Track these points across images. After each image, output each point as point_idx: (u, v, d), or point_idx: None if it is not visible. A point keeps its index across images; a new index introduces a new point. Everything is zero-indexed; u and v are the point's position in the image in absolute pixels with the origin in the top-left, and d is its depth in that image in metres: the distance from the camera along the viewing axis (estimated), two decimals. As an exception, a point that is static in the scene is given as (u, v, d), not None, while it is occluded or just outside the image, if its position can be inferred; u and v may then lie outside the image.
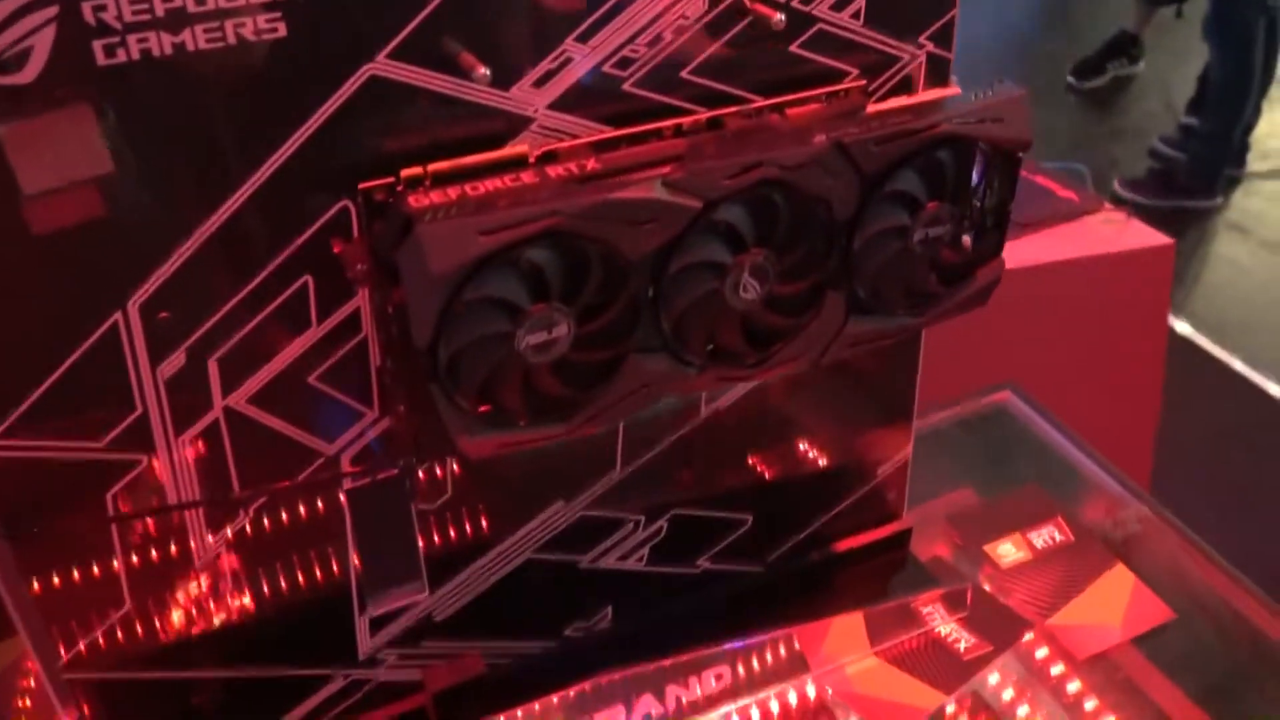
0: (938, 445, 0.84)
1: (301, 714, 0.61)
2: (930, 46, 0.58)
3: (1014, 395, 0.86)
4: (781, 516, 0.70)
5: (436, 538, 0.60)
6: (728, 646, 0.65)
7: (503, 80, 0.50)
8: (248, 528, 0.55)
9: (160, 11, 0.43)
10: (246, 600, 0.57)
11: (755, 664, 0.66)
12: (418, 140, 0.49)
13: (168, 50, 0.44)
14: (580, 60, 0.51)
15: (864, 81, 0.57)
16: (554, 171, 0.49)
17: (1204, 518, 0.82)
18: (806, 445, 0.69)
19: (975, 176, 0.57)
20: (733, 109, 0.54)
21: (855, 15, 0.56)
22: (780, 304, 0.54)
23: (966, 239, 0.58)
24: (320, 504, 0.56)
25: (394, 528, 0.59)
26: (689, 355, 0.54)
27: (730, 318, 0.54)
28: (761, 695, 0.66)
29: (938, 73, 0.59)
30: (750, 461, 0.68)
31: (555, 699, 0.61)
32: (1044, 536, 0.75)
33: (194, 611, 0.56)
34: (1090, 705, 0.67)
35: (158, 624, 0.56)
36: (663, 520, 0.66)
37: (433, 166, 0.49)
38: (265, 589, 0.57)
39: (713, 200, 0.50)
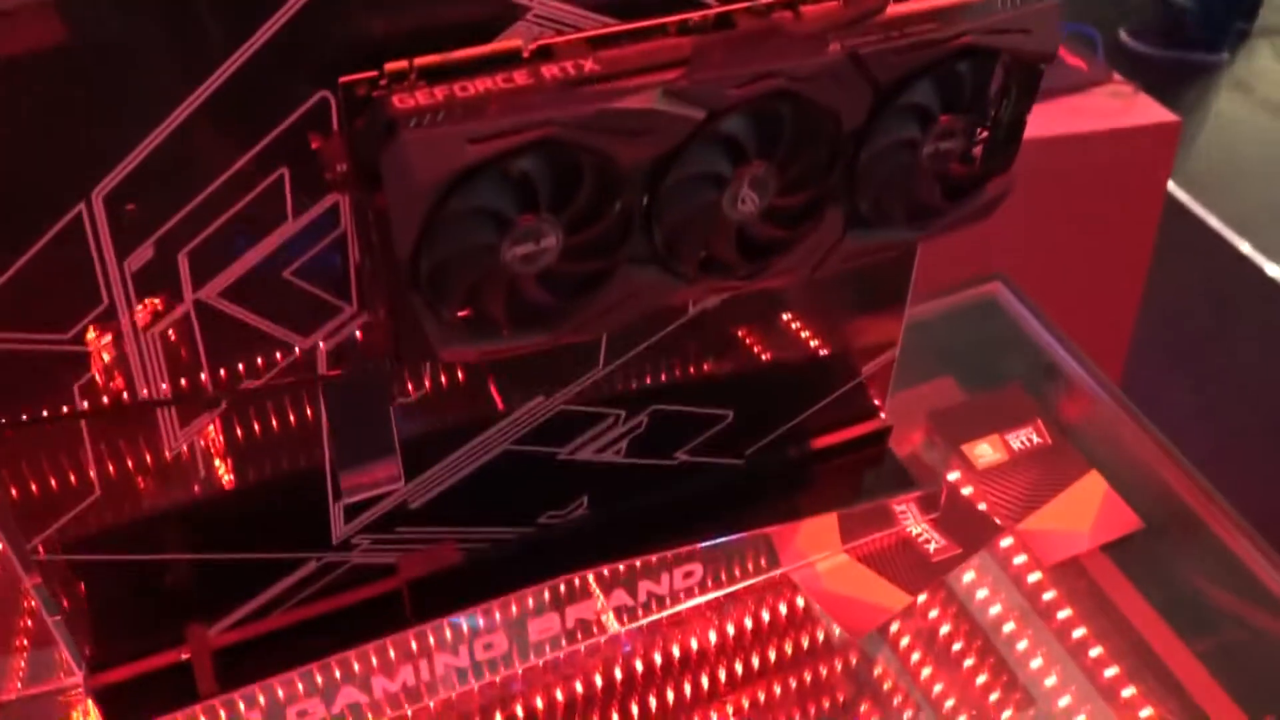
0: (922, 336, 0.83)
1: (274, 594, 0.61)
2: (962, -61, 0.55)
3: (1004, 287, 0.85)
4: (762, 412, 0.70)
5: (413, 428, 0.59)
6: (700, 545, 0.65)
7: (493, -35, 0.46)
8: (218, 418, 0.54)
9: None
10: (218, 486, 0.57)
11: (727, 560, 0.66)
12: (403, 27, 0.46)
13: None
14: (577, -55, 0.47)
15: (885, -22, 0.53)
16: (549, 71, 0.46)
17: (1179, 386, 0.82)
18: (792, 342, 0.68)
19: (993, 87, 0.54)
20: (743, 4, 0.50)
21: (883, -96, 0.52)
22: (778, 216, 0.52)
23: (977, 151, 0.56)
24: (294, 394, 0.55)
25: (370, 420, 0.57)
26: (681, 267, 0.52)
27: (725, 229, 0.51)
28: (732, 589, 0.67)
29: (964, -32, 0.56)
30: (735, 358, 0.66)
31: (529, 595, 0.62)
32: (1021, 438, 0.75)
33: (164, 498, 0.56)
34: (1063, 615, 0.68)
35: (128, 509, 0.55)
36: (644, 415, 0.65)
37: (419, 60, 0.45)
38: (237, 476, 0.57)
39: (717, 111, 0.47)
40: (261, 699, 0.57)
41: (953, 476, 0.74)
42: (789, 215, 0.52)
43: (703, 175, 0.49)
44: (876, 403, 0.73)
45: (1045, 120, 1.14)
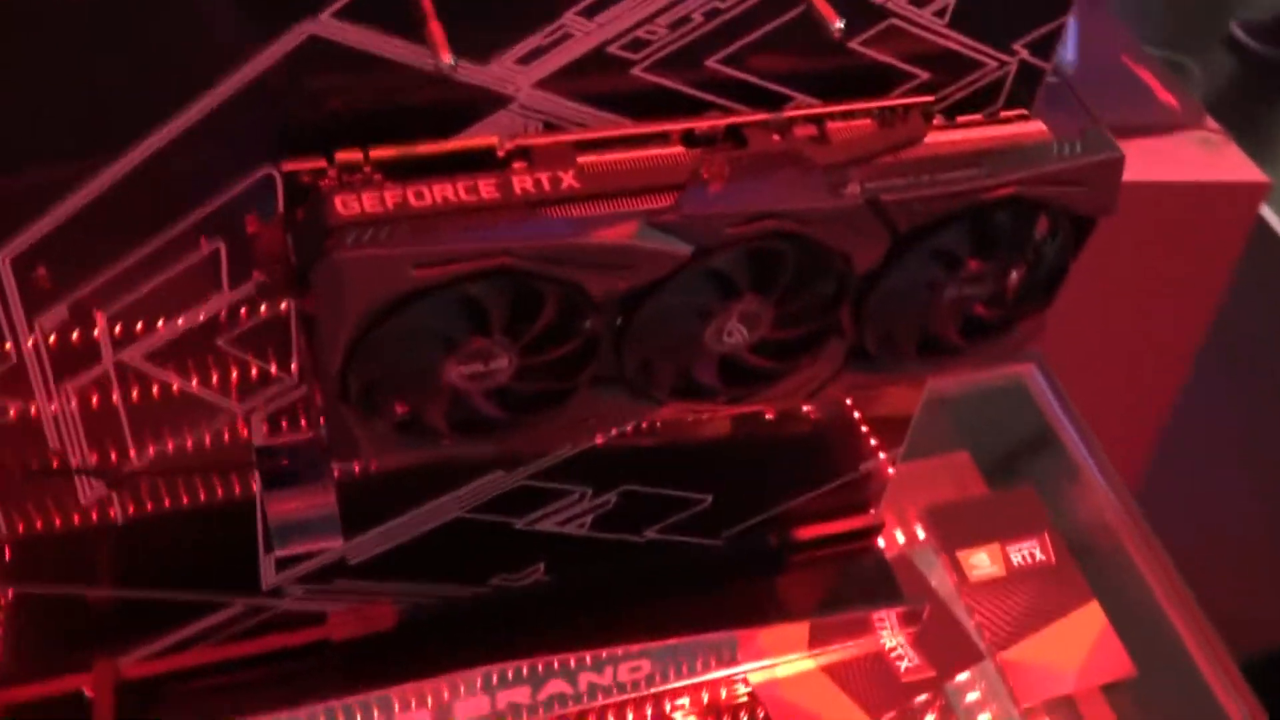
0: (941, 413, 0.77)
1: (196, 631, 0.58)
2: (1025, 54, 0.48)
3: (1037, 372, 0.79)
4: (744, 498, 0.65)
5: (356, 489, 0.55)
6: (652, 645, 0.61)
7: (479, 53, 0.40)
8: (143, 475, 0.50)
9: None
10: (141, 523, 0.53)
11: (681, 654, 0.62)
12: (363, 107, 0.41)
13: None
14: (581, 37, 0.41)
15: (930, 98, 0.46)
16: (520, 184, 0.40)
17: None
18: (784, 431, 0.63)
19: (1037, 233, 0.48)
20: (759, 116, 0.44)
21: (940, 13, 0.45)
22: (770, 350, 0.47)
23: (1011, 294, 0.49)
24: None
25: (308, 485, 0.53)
26: (653, 391, 0.47)
27: (707, 359, 0.46)
28: (682, 684, 0.63)
29: (1026, 84, 0.49)
30: (718, 444, 0.62)
31: (460, 679, 0.58)
32: (1023, 553, 0.70)
33: (82, 530, 0.52)
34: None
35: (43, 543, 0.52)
36: (613, 494, 0.61)
37: (375, 152, 0.40)
38: (162, 514, 0.53)
39: (706, 249, 0.42)
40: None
41: (941, 584, 0.69)
42: (782, 348, 0.47)
43: (685, 307, 0.44)
44: (870, 499, 0.68)
45: (1122, 165, 1.05)
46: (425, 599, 0.61)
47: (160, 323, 0.45)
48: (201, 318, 0.45)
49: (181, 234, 0.42)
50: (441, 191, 0.40)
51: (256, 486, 0.52)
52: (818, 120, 0.45)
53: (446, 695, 0.58)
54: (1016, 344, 0.51)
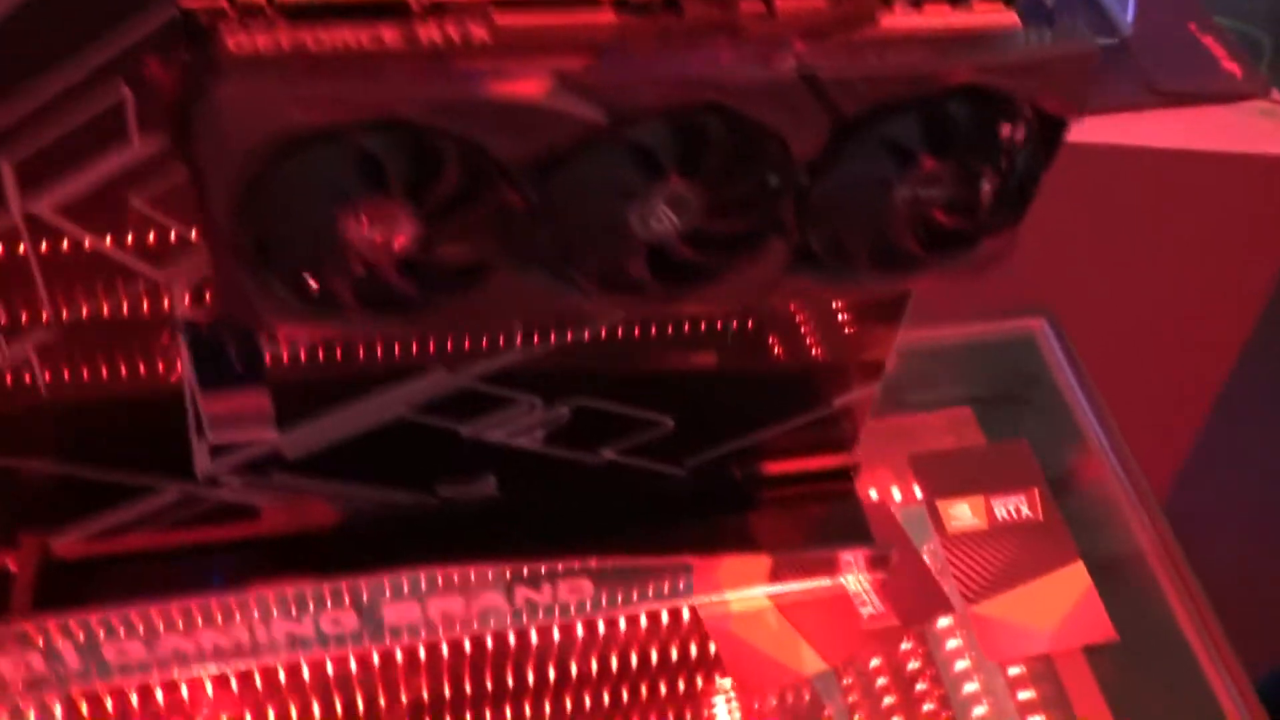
0: (940, 364, 0.74)
1: (130, 517, 0.57)
2: (1007, -53, 0.44)
3: (1047, 326, 0.75)
4: (710, 425, 0.62)
5: (291, 376, 0.54)
6: (594, 563, 0.58)
7: (393, -110, 0.38)
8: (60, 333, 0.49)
9: None
10: (70, 396, 0.52)
11: (628, 578, 0.60)
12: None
13: None
14: (502, -119, 0.39)
15: (891, -20, 0.43)
16: (426, 34, 0.38)
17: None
18: (753, 354, 0.60)
19: (1002, 134, 0.44)
20: (698, -14, 0.41)
21: (908, -110, 0.41)
22: (703, 241, 0.44)
23: (976, 202, 0.46)
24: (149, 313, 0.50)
25: (237, 364, 0.52)
26: (577, 278, 0.44)
27: (634, 246, 0.43)
28: (625, 609, 0.61)
29: (1011, -19, 0.45)
30: (680, 362, 0.59)
31: (386, 580, 0.56)
32: (1009, 507, 0.66)
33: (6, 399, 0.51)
34: (978, 712, 0.60)
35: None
36: (565, 407, 0.58)
37: (278, -7, 0.38)
38: (86, 384, 0.52)
39: (623, 117, 0.39)
40: (80, 634, 0.54)
41: (919, 533, 0.66)
42: (718, 242, 0.44)
43: (604, 185, 0.41)
44: (847, 436, 0.64)
45: (1171, 128, 1.00)
46: (368, 503, 0.60)
47: (70, 175, 0.43)
48: (111, 172, 0.43)
49: (86, 78, 0.40)
50: (343, 37, 0.38)
51: (183, 366, 0.51)
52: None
53: (375, 596, 0.56)
54: (982, 261, 0.48)
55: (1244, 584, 1.14)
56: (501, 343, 0.54)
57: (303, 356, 0.54)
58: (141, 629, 0.55)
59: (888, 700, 0.61)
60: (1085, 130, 1.13)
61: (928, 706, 0.61)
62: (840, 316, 0.59)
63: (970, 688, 0.62)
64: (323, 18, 0.38)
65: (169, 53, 0.39)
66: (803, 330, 0.60)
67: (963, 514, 0.66)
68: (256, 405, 0.53)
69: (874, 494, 0.67)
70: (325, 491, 0.59)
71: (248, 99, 0.36)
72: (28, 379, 0.50)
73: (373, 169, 0.39)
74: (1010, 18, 0.43)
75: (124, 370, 0.52)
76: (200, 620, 0.56)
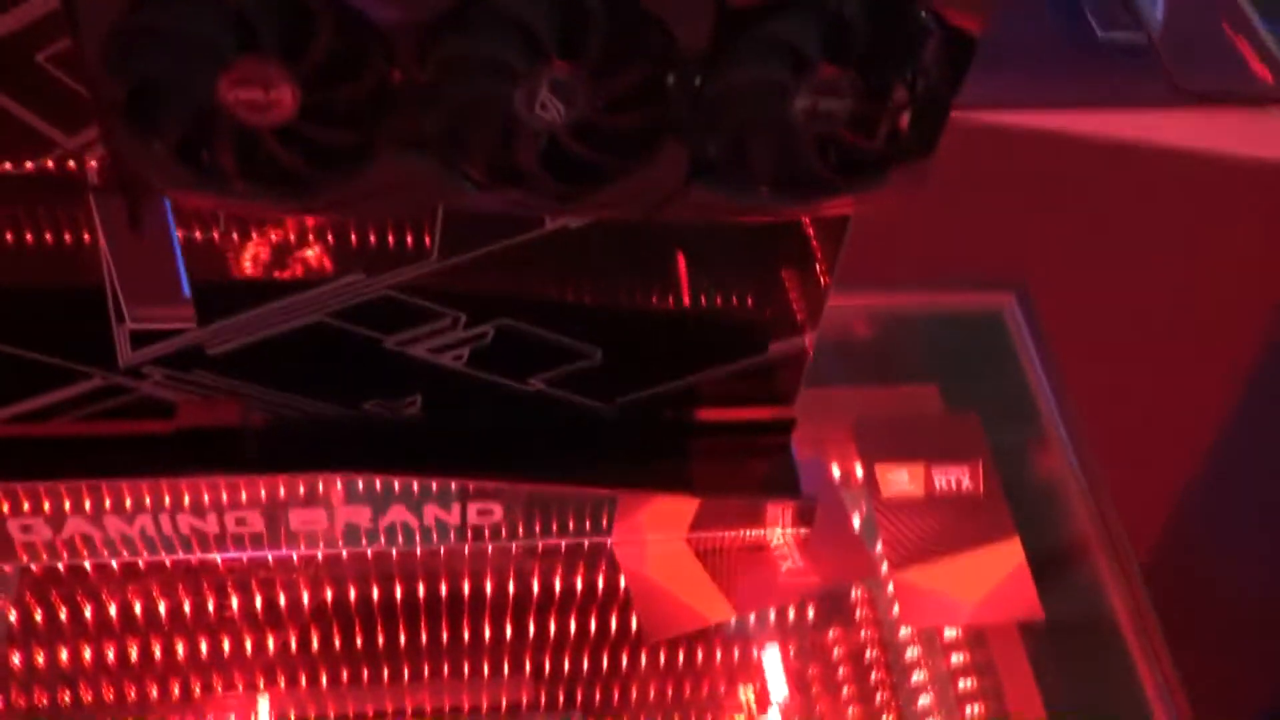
0: (905, 334, 0.72)
1: (58, 400, 0.58)
2: None
3: (1016, 303, 0.72)
4: (640, 361, 0.61)
5: (210, 267, 0.54)
6: (504, 483, 0.58)
7: None
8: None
9: None
10: (-12, 272, 0.53)
11: (542, 508, 0.59)
12: None
13: None
14: None
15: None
16: (305, -110, 0.38)
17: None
18: (682, 287, 0.59)
19: (910, 49, 0.43)
20: None
21: None
22: (593, 136, 0.43)
23: (881, 121, 0.45)
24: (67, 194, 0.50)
25: (152, 241, 0.52)
26: (466, 167, 0.44)
27: (524, 136, 0.43)
28: (536, 541, 0.60)
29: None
30: (608, 290, 0.58)
31: (300, 481, 0.56)
32: (949, 478, 0.64)
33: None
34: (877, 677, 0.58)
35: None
36: (489, 326, 0.58)
37: None
38: (10, 266, 0.53)
39: (496, -16, 0.38)
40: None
41: (852, 495, 0.64)
42: (609, 138, 0.43)
43: (485, 64, 0.41)
44: (785, 389, 0.63)
45: (1190, 128, 0.97)
46: (291, 410, 0.60)
47: (-23, 27, 0.44)
48: (15, 26, 0.44)
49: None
50: (218, -116, 0.38)
51: (100, 234, 0.52)
52: (665, -117, 0.41)
53: (282, 496, 0.56)
54: (894, 189, 0.47)
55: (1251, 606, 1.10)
56: (417, 243, 0.54)
57: (231, 272, 0.54)
58: (48, 508, 0.55)
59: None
60: (1105, 125, 1.09)
61: (841, 670, 0.60)
62: (775, 255, 0.58)
63: (874, 654, 0.60)
64: None
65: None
66: (737, 271, 0.59)
67: (900, 480, 0.64)
68: (169, 282, 0.54)
69: (813, 455, 0.66)
70: (247, 393, 0.59)
71: (111, -67, 0.36)
72: (-52, 244, 0.51)
73: (245, 25, 0.39)
74: (918, -72, 0.42)
75: (51, 246, 0.53)
76: (109, 505, 0.57)
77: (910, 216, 0.84)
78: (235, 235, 0.53)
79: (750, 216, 0.47)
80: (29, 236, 0.52)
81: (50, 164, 0.48)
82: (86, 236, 0.52)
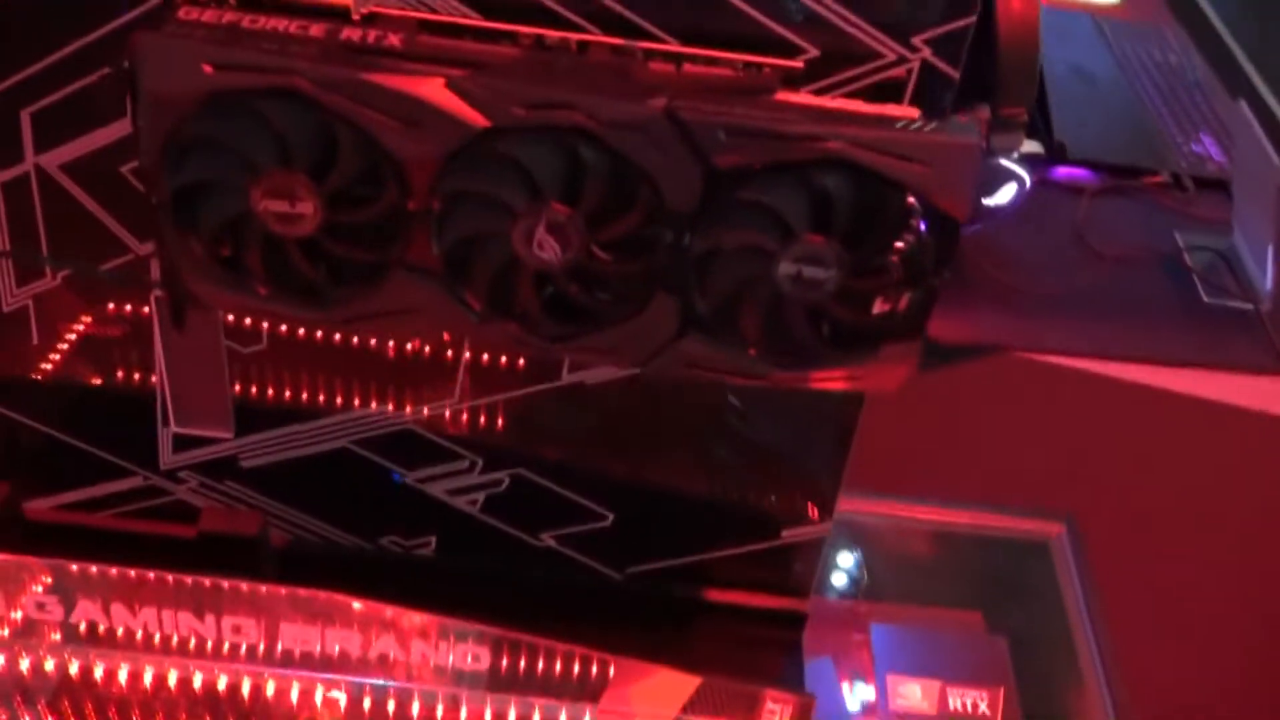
0: (950, 552, 0.70)
1: (104, 493, 0.61)
2: (927, 53, 0.46)
3: (1067, 535, 0.70)
4: (651, 530, 0.61)
5: (251, 384, 0.58)
6: (493, 629, 0.57)
7: (355, -81, 0.44)
8: (56, 290, 0.55)
9: None
10: (57, 359, 0.58)
11: (529, 658, 0.59)
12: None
13: None
14: (451, -78, 0.44)
15: (797, 64, 0.45)
16: (348, 33, 0.43)
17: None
18: (697, 460, 0.60)
19: (892, 227, 0.44)
20: (612, 40, 0.45)
21: (823, -20, 0.44)
22: (586, 278, 0.45)
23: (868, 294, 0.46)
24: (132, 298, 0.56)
25: (202, 351, 0.56)
26: (469, 297, 0.47)
27: (522, 273, 0.46)
28: (515, 695, 0.59)
29: (933, 90, 0.46)
30: (621, 453, 0.59)
31: (300, 595, 0.58)
32: (965, 700, 0.61)
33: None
34: None
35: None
36: (504, 473, 0.59)
37: (243, -15, 0.44)
38: (75, 360, 0.58)
39: (501, 126, 0.42)
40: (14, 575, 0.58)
41: (856, 706, 0.61)
42: (601, 282, 0.46)
43: (489, 199, 0.44)
44: (799, 580, 0.62)
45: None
46: (311, 533, 0.62)
47: (73, 137, 0.50)
48: (105, 141, 0.50)
49: (90, 47, 0.47)
50: (276, 24, 0.43)
51: (158, 341, 0.56)
52: (675, 59, 0.45)
53: (279, 610, 0.57)
54: (882, 366, 0.47)
55: None
56: (442, 383, 0.56)
57: (270, 391, 0.58)
58: (66, 583, 0.58)
59: None
60: (1204, 386, 1.06)
61: None
62: (792, 441, 0.59)
63: None
64: (270, 9, 0.44)
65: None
66: (754, 451, 0.59)
67: (912, 694, 0.61)
68: (214, 392, 0.57)
69: (825, 655, 0.64)
70: (273, 510, 0.61)
71: (164, 50, 0.41)
72: (25, 335, 0.57)
73: (279, 143, 0.43)
74: (911, 112, 0.44)
75: (115, 344, 0.58)
76: (122, 591, 0.59)
77: (975, 437, 0.83)
78: (277, 356, 0.57)
79: (740, 378, 0.48)
80: (97, 333, 0.57)
81: (121, 266, 0.54)
82: (145, 340, 0.57)
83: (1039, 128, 1.14)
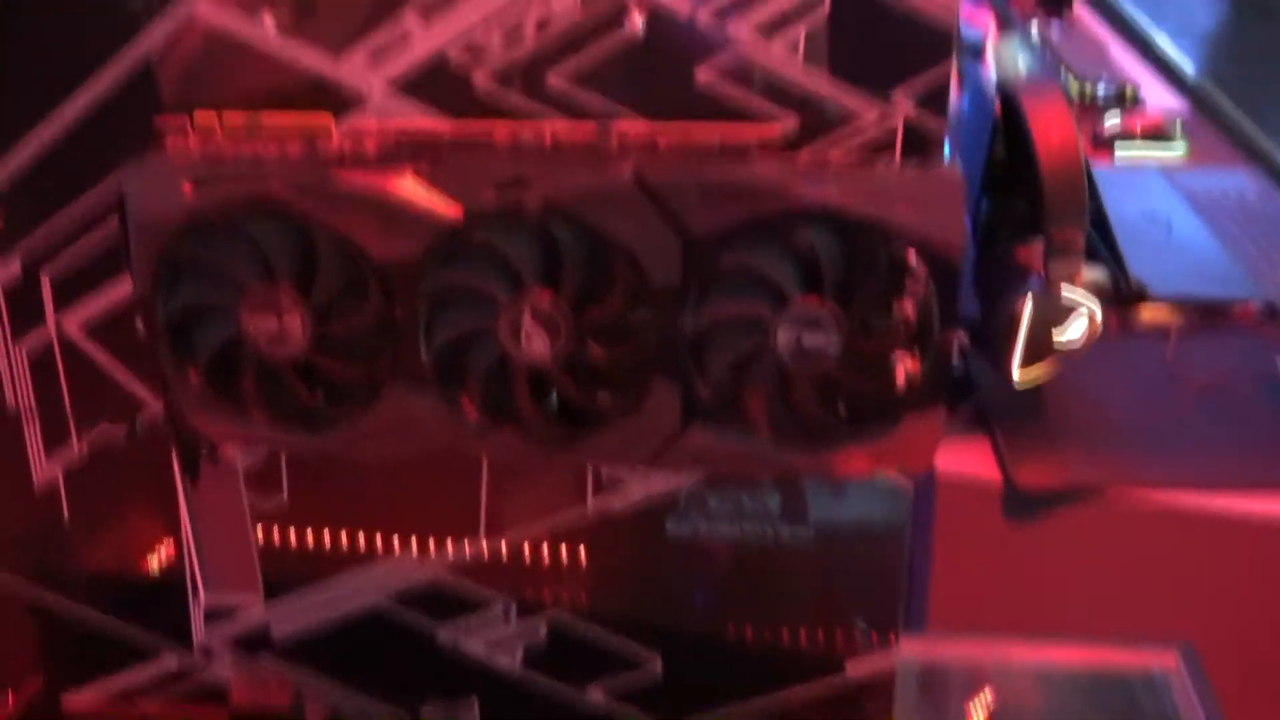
0: (1053, 690, 0.63)
1: (140, 681, 0.60)
2: (909, 107, 0.44)
3: (1183, 664, 0.62)
4: (704, 673, 0.56)
5: (275, 541, 0.56)
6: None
7: (334, 46, 0.46)
8: (84, 459, 0.55)
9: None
10: (89, 537, 0.57)
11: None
12: (248, 97, 0.47)
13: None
14: (421, 39, 0.45)
15: (773, 131, 0.44)
16: (324, 147, 0.44)
17: None
18: (748, 597, 0.55)
19: (886, 278, 0.42)
20: (585, 124, 0.44)
21: (791, 47, 0.44)
22: (580, 369, 0.44)
23: (876, 358, 0.43)
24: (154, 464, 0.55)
25: (223, 507, 0.55)
26: (463, 404, 0.45)
27: (514, 372, 0.44)
28: None
29: (918, 146, 0.44)
30: (659, 588, 0.55)
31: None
32: None
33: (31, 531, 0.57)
34: None
35: None
36: (540, 619, 0.56)
37: (229, 117, 0.46)
38: (103, 537, 0.57)
39: (473, 211, 0.42)
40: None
41: None
42: (595, 374, 0.44)
43: (469, 292, 0.43)
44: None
45: None
46: (348, 706, 0.59)
47: (88, 296, 0.51)
48: (124, 296, 0.51)
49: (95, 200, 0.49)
50: (258, 147, 0.44)
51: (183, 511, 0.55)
52: (649, 136, 0.44)
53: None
54: (905, 442, 0.44)
55: None
56: (465, 519, 0.54)
57: (293, 543, 0.57)
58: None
59: None
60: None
61: None
62: (846, 560, 0.54)
63: None
64: (254, 135, 0.45)
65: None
66: (807, 573, 0.55)
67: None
68: (241, 553, 0.56)
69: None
70: (309, 683, 0.59)
71: (149, 175, 0.43)
72: (57, 514, 0.57)
73: (260, 256, 0.43)
74: (895, 168, 0.43)
75: (141, 518, 0.57)
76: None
77: (1074, 576, 0.77)
78: (299, 508, 0.55)
79: (756, 468, 0.45)
80: (127, 507, 0.57)
81: (141, 423, 0.54)
82: (173, 510, 0.56)
83: (1116, 274, 1.11)
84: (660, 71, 0.44)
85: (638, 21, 0.42)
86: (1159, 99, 1.28)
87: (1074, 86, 1.21)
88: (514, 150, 0.43)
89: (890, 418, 0.43)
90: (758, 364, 0.43)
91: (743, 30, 0.43)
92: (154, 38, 0.46)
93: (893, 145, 0.45)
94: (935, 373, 0.42)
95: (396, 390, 0.45)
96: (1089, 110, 1.19)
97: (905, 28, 0.43)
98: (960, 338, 0.50)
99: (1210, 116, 1.29)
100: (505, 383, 0.44)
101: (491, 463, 0.50)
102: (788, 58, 0.44)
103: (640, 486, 0.52)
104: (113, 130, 0.48)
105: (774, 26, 0.43)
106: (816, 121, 0.45)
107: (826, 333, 0.42)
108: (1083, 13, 1.46)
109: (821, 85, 0.44)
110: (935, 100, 0.44)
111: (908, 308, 0.42)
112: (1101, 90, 1.24)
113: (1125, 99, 1.24)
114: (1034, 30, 1.38)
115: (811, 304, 0.41)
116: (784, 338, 0.42)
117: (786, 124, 0.44)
